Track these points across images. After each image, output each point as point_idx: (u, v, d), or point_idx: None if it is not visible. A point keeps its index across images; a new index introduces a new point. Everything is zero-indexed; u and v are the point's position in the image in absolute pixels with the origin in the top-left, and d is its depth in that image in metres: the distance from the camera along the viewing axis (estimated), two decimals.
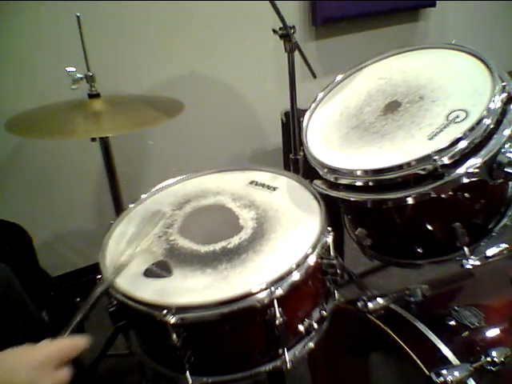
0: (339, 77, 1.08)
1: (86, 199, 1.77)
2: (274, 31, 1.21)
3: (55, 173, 1.68)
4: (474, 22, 2.38)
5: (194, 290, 0.71)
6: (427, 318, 0.87)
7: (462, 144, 0.75)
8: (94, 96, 1.20)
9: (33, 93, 1.50)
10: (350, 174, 0.83)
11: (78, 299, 1.57)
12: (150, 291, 0.71)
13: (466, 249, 0.84)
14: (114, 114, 1.19)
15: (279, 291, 0.69)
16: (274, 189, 0.94)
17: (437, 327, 0.84)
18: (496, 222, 0.89)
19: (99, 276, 0.76)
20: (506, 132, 0.77)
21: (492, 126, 0.77)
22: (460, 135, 0.75)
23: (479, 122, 0.76)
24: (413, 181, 0.78)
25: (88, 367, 1.35)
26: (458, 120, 0.80)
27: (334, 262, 0.78)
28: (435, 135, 0.80)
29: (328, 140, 0.95)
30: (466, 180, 0.76)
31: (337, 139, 0.94)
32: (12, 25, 1.47)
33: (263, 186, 0.96)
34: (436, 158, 0.75)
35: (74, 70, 1.15)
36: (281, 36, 1.20)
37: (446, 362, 0.78)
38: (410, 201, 0.79)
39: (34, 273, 1.40)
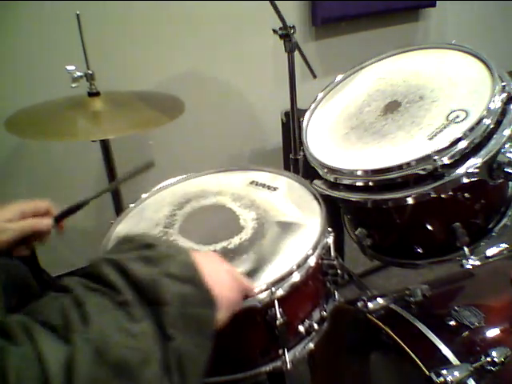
0: (339, 77, 1.08)
1: None
2: (274, 31, 1.21)
3: (55, 173, 1.68)
4: (474, 22, 2.38)
5: None
6: (427, 318, 0.87)
7: (462, 144, 0.75)
8: (93, 94, 1.20)
9: (33, 92, 1.49)
10: (350, 174, 0.83)
11: None
12: None
13: (466, 249, 0.84)
14: (113, 115, 1.18)
15: (280, 292, 0.69)
16: (275, 189, 0.94)
17: (437, 327, 0.84)
18: (496, 222, 0.89)
19: None
20: (506, 132, 0.77)
21: (492, 126, 0.77)
22: (460, 135, 0.75)
23: (479, 122, 0.76)
24: (413, 181, 0.78)
25: None
26: (457, 120, 0.80)
27: (335, 262, 0.78)
28: (435, 135, 0.80)
29: (328, 140, 0.95)
30: (465, 180, 0.76)
31: (337, 139, 0.94)
32: (12, 23, 1.47)
33: (263, 186, 0.96)
34: (436, 158, 0.75)
35: (73, 68, 1.14)
36: (281, 36, 1.20)
37: (446, 362, 0.78)
38: (409, 201, 0.79)
39: (34, 272, 1.40)
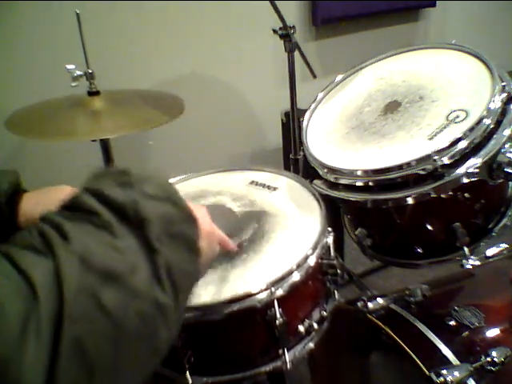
0: (339, 77, 1.08)
1: None
2: (274, 31, 1.20)
3: (55, 172, 1.68)
4: (474, 22, 2.38)
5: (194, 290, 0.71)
6: (427, 318, 0.87)
7: (462, 144, 0.75)
8: (93, 93, 1.20)
9: (33, 91, 1.49)
10: (350, 174, 0.83)
11: None
12: None
13: (466, 249, 0.84)
14: (113, 113, 1.18)
15: (279, 291, 0.69)
16: (275, 189, 0.94)
17: (437, 327, 0.84)
18: (496, 222, 0.89)
19: None
20: (506, 132, 0.77)
21: (492, 126, 0.77)
22: (460, 135, 0.75)
23: (479, 122, 0.76)
24: (413, 181, 0.78)
25: None
26: (457, 120, 0.80)
27: (334, 262, 0.78)
28: (435, 135, 0.80)
29: (328, 140, 0.95)
30: (465, 180, 0.76)
31: (337, 139, 0.94)
32: (11, 22, 1.47)
33: (263, 186, 0.96)
34: (436, 158, 0.75)
35: (73, 67, 1.14)
36: (281, 36, 1.20)
37: (445, 362, 0.78)
38: (409, 201, 0.79)
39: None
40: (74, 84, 1.14)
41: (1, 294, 0.34)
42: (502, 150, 0.76)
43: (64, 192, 0.66)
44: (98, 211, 0.42)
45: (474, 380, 0.74)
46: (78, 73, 1.14)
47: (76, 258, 0.38)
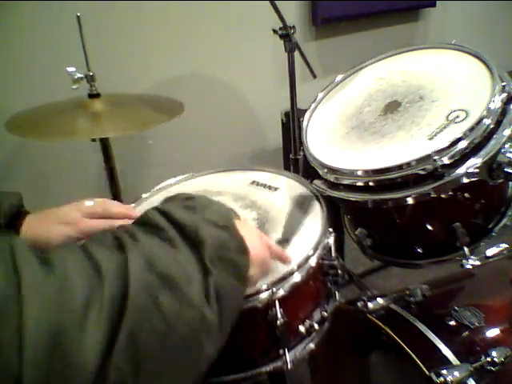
0: (339, 77, 1.08)
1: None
2: (274, 31, 1.21)
3: (55, 173, 1.68)
4: (474, 22, 2.38)
5: None
6: (427, 318, 0.87)
7: (462, 144, 0.75)
8: (94, 96, 1.20)
9: (33, 93, 1.49)
10: (350, 174, 0.83)
11: None
12: None
13: (466, 249, 0.84)
14: (114, 115, 1.18)
15: (280, 292, 0.69)
16: (275, 189, 0.94)
17: (437, 327, 0.84)
18: (496, 222, 0.89)
19: None
20: (506, 132, 0.77)
21: (492, 126, 0.77)
22: (460, 135, 0.75)
23: (479, 122, 0.76)
24: (413, 181, 0.78)
25: None
26: (457, 120, 0.80)
27: (335, 262, 0.78)
28: (435, 135, 0.80)
29: (328, 140, 0.95)
30: (465, 180, 0.76)
31: (337, 139, 0.94)
32: (13, 24, 1.47)
33: (264, 186, 0.96)
34: (436, 158, 0.75)
35: (74, 69, 1.14)
36: (281, 36, 1.20)
37: (445, 362, 0.78)
38: (410, 201, 0.79)
39: None
40: (74, 86, 1.14)
41: (71, 270, 0.38)
42: (502, 150, 0.76)
43: (63, 213, 0.70)
44: (164, 227, 0.48)
45: (474, 380, 0.75)
46: (79, 75, 1.15)
47: (143, 258, 0.42)
